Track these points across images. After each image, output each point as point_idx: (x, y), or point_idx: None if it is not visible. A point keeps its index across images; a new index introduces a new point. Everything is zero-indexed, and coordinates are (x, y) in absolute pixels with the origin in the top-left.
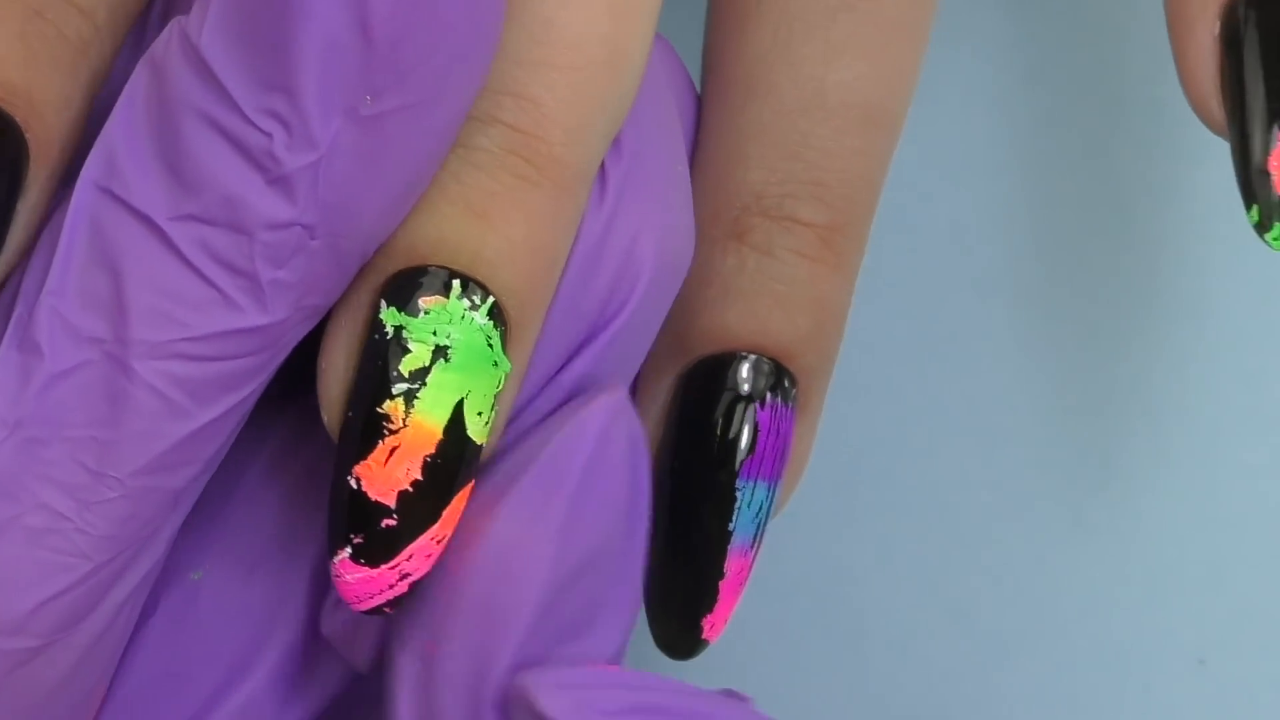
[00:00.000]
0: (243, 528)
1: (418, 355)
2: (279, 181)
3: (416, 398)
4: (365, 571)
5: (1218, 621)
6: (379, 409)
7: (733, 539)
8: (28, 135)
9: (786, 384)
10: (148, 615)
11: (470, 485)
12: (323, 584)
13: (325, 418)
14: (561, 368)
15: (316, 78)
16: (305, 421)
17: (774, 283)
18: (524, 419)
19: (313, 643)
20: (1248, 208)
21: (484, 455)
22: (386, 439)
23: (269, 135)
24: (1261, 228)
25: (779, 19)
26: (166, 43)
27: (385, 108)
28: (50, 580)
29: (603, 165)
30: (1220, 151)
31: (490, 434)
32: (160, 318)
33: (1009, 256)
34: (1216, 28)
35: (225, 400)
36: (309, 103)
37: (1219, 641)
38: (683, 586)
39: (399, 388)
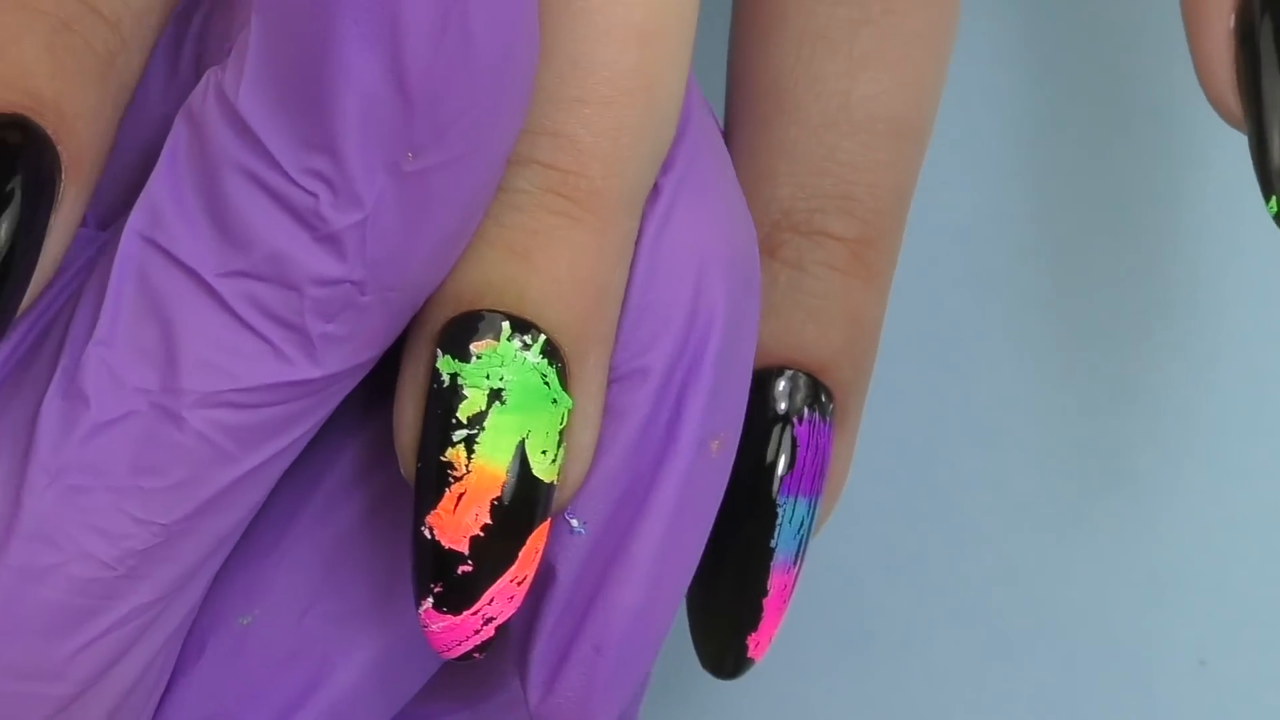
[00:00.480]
0: (295, 570)
1: (473, 401)
2: (327, 240)
3: (476, 443)
4: (449, 619)
5: (1218, 622)
6: (442, 457)
7: (775, 556)
8: (59, 147)
9: (824, 399)
10: (192, 660)
11: (547, 524)
12: (379, 624)
13: (402, 468)
14: (678, 412)
15: (358, 137)
16: (358, 463)
17: (806, 297)
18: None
19: (366, 684)
20: (1266, 199)
21: (565, 492)
22: (453, 486)
23: (314, 195)
24: None
25: (801, 36)
26: (203, 96)
27: (427, 164)
28: (89, 625)
29: (656, 184)
30: (1221, 153)
31: (566, 470)
32: (211, 369)
33: (1011, 257)
34: (1231, 21)
35: (271, 446)
36: (352, 162)
37: (1220, 642)
38: (726, 605)
39: (458, 434)
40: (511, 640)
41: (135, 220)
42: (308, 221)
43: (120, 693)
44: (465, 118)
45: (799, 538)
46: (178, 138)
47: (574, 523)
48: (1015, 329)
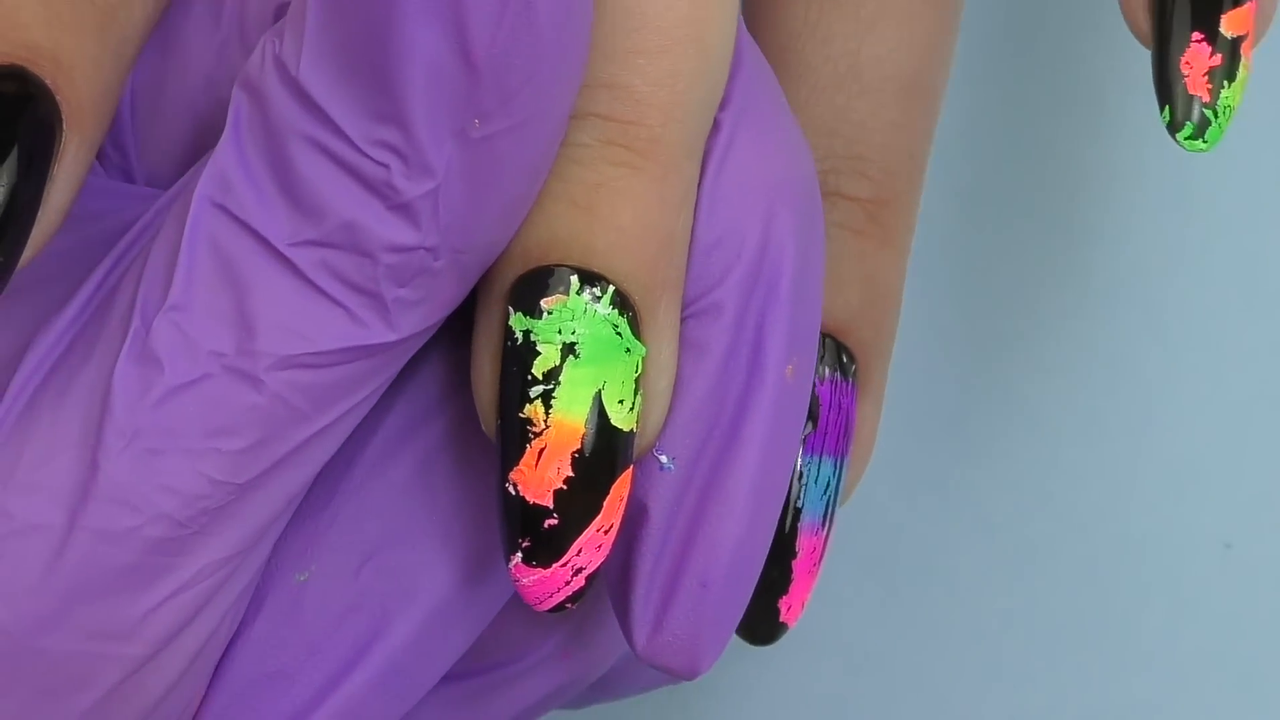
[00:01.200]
0: (350, 524)
1: (547, 356)
2: (400, 209)
3: (554, 397)
4: (539, 573)
5: (1242, 505)
6: (521, 414)
7: (802, 517)
8: (57, 97)
9: (844, 359)
10: (250, 618)
11: (629, 471)
12: (436, 575)
13: (483, 425)
14: (759, 342)
15: (425, 108)
16: (410, 416)
17: None
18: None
19: (424, 635)
20: (1161, 108)
21: (645, 438)
22: (533, 442)
23: (385, 166)
24: (1174, 127)
25: None
26: (260, 66)
27: (494, 129)
28: (162, 584)
29: (715, 120)
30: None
31: (645, 417)
32: (287, 333)
33: (999, 163)
34: None
35: (345, 404)
36: (421, 133)
37: (1244, 525)
38: None
39: (535, 390)
40: (607, 583)
41: (205, 187)
42: (380, 192)
43: (191, 653)
44: (529, 83)
45: (826, 499)
46: (239, 106)
47: (663, 459)
48: (1012, 237)
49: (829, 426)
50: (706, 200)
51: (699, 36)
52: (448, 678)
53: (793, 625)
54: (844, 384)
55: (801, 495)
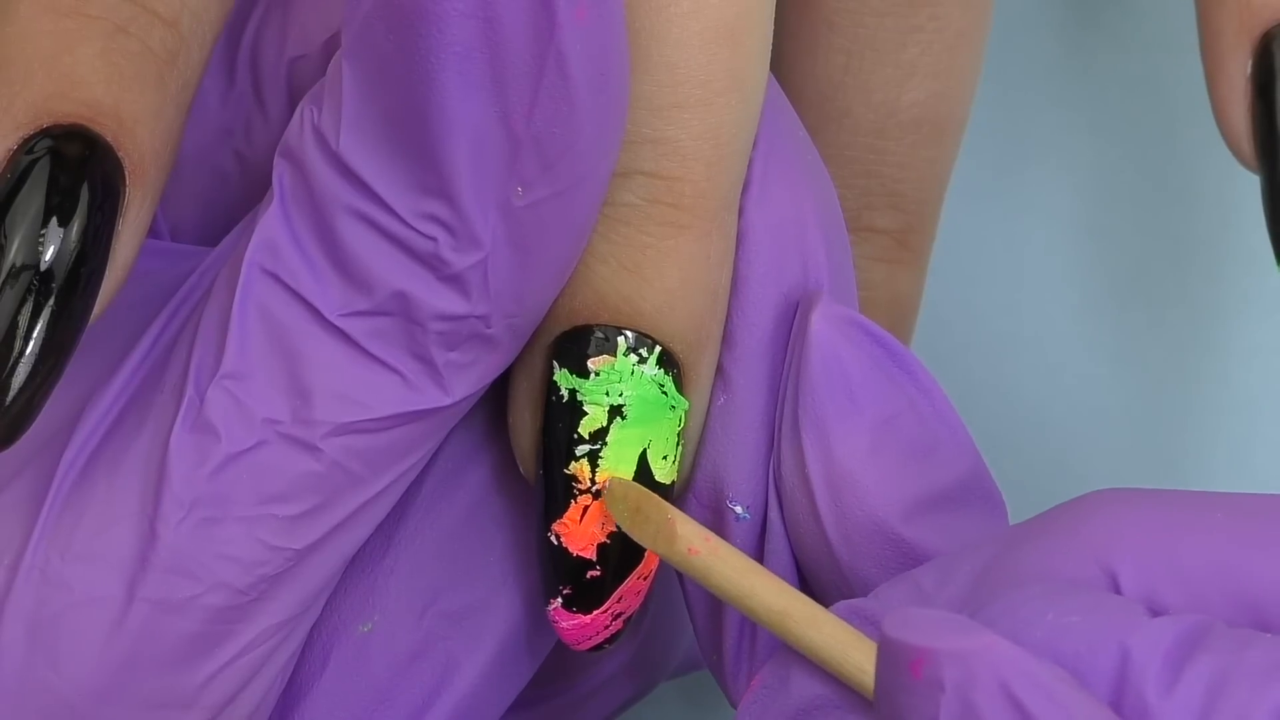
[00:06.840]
0: (409, 572)
1: (594, 417)
2: (450, 280)
3: (600, 457)
4: (579, 618)
5: None
6: (566, 470)
7: None
8: (120, 154)
9: None
10: (317, 673)
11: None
12: (496, 616)
13: (522, 469)
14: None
15: (469, 180)
16: (456, 459)
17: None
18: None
19: (489, 676)
20: (1278, 256)
21: (681, 484)
22: (578, 499)
23: (433, 239)
24: None
25: (850, 46)
26: (300, 136)
27: (537, 197)
28: (221, 651)
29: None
30: None
31: (680, 469)
32: (343, 401)
33: (1003, 161)
34: (1248, 67)
35: (401, 465)
36: (467, 205)
37: None
38: None
39: (581, 449)
40: (699, 639)
41: (254, 253)
42: (429, 264)
43: (245, 715)
44: (569, 149)
45: None
46: (282, 175)
47: (738, 510)
48: (1017, 236)
49: None
50: (745, 239)
51: (739, 88)
52: (520, 704)
53: None
54: None
55: None
